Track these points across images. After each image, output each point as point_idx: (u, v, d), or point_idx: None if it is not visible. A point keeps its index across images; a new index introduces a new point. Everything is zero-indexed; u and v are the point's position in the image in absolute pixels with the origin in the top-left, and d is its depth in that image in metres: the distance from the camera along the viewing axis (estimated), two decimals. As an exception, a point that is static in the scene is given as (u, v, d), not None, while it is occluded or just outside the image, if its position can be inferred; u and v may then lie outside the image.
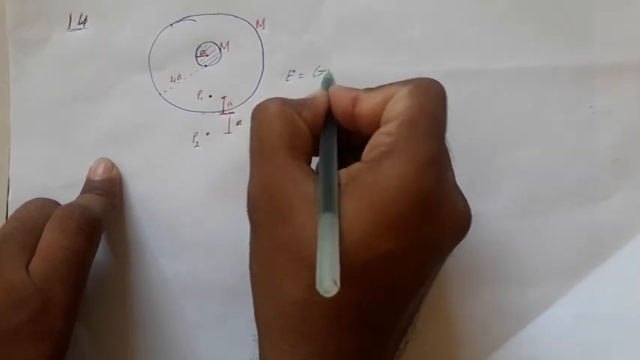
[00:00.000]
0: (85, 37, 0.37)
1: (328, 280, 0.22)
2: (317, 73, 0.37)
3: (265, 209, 0.27)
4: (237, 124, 0.37)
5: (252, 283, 0.28)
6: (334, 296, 0.23)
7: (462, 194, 0.28)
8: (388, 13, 0.37)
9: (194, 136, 0.37)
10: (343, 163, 0.27)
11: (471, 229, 0.27)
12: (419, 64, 0.37)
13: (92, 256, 0.33)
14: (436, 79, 0.28)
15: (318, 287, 0.22)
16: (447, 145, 0.28)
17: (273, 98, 0.29)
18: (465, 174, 0.36)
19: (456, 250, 0.28)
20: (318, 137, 0.29)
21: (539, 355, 0.35)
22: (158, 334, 0.36)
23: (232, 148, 0.37)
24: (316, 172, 0.27)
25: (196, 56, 0.37)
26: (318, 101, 0.29)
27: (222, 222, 0.36)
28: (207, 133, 0.37)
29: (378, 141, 0.27)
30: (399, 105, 0.27)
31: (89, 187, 0.36)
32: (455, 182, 0.28)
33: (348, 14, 0.37)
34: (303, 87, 0.37)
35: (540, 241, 0.36)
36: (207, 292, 0.36)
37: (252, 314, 0.28)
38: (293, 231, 0.25)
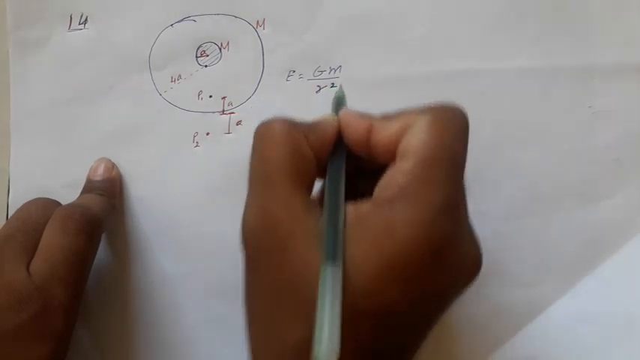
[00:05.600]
0: (85, 37, 0.37)
1: (328, 351, 0.21)
2: (317, 73, 0.37)
3: (262, 241, 0.25)
4: (237, 124, 0.37)
5: (247, 320, 0.26)
6: None
7: (474, 237, 0.26)
8: (388, 13, 0.37)
9: (194, 136, 0.37)
10: (351, 188, 0.26)
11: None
12: (419, 64, 0.36)
13: (92, 257, 0.33)
14: (459, 107, 0.26)
15: (315, 356, 0.21)
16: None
17: (281, 118, 0.26)
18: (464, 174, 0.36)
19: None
20: (322, 162, 0.27)
21: (539, 354, 0.35)
22: (158, 334, 0.37)
23: (232, 148, 0.37)
24: (320, 203, 0.26)
25: (196, 56, 0.37)
26: (327, 126, 0.27)
27: (222, 222, 0.36)
28: (208, 133, 0.37)
29: (391, 179, 0.25)
30: (417, 139, 0.25)
31: (89, 187, 0.36)
32: (469, 224, 0.26)
33: (348, 14, 0.37)
34: (303, 87, 0.37)
35: (540, 241, 0.36)
36: (207, 292, 0.36)
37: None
38: (293, 268, 0.24)
